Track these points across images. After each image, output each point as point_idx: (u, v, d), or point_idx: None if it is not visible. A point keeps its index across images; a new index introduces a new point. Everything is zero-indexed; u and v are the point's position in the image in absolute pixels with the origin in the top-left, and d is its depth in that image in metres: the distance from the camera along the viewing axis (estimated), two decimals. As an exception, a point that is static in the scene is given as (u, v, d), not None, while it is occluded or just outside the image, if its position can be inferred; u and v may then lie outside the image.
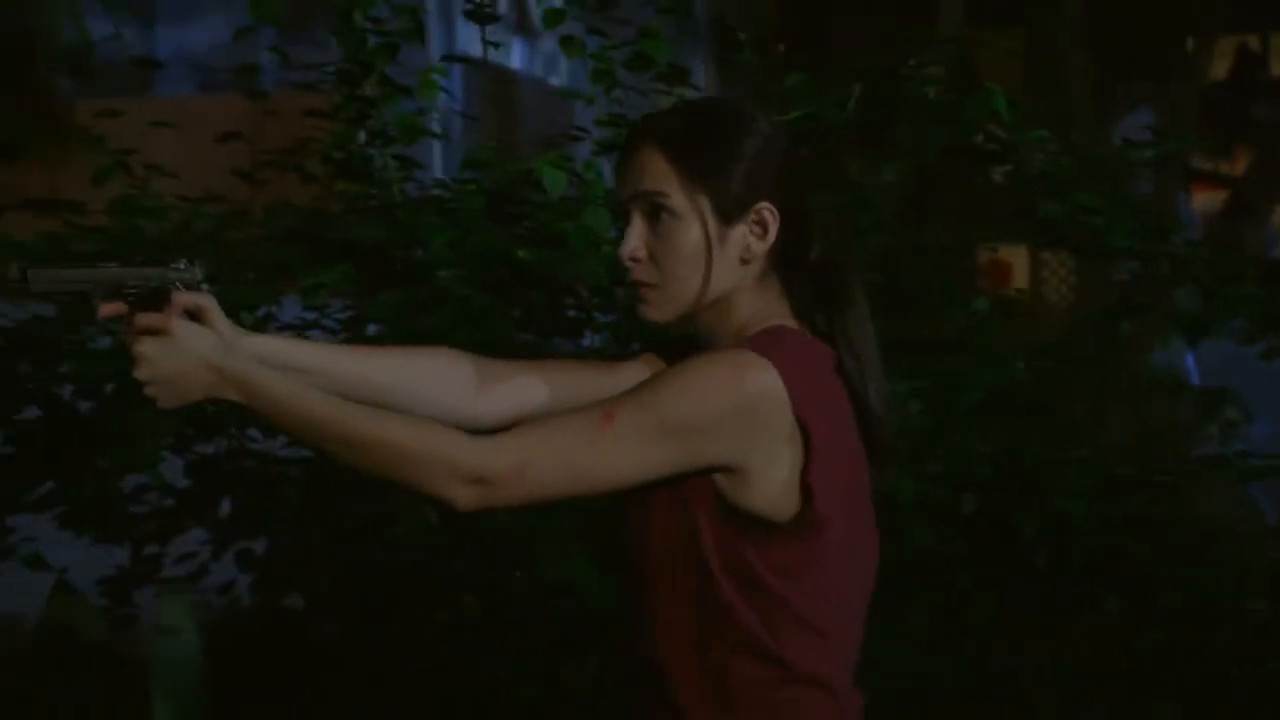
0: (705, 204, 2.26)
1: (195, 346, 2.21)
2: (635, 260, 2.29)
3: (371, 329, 4.25)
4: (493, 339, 3.87)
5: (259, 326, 4.06)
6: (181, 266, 2.25)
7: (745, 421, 2.19)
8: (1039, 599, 4.32)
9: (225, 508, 4.53)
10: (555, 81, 8.56)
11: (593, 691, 4.14)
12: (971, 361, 4.54)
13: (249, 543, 4.57)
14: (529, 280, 4.21)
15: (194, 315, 2.26)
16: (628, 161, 2.27)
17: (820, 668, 2.25)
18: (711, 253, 2.26)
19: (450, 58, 4.46)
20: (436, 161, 6.56)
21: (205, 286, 2.26)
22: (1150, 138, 4.85)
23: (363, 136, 4.35)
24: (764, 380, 2.19)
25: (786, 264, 2.29)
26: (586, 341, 4.53)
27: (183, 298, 2.25)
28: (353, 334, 4.13)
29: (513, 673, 4.16)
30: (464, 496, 2.17)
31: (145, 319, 2.21)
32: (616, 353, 4.22)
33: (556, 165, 4.06)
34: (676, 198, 2.26)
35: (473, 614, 4.25)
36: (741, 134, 2.27)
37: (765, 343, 2.24)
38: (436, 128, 4.33)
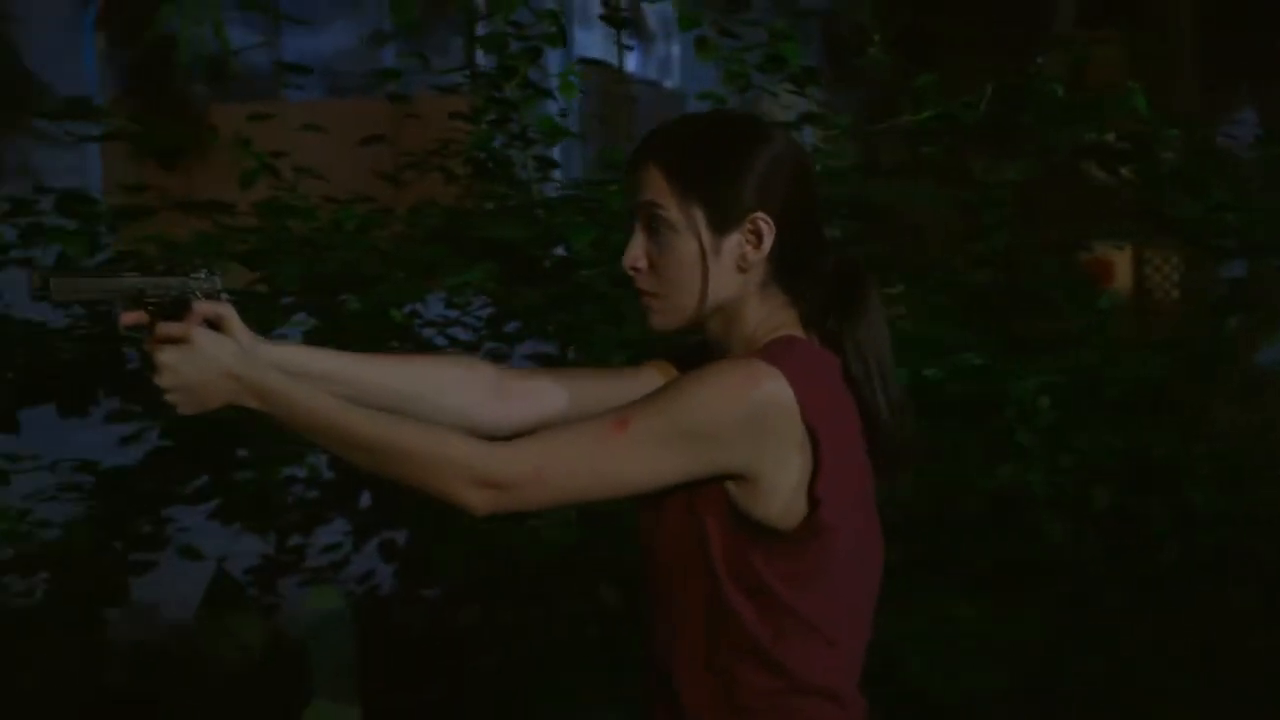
0: (700, 215, 2.27)
1: (215, 355, 2.23)
2: (636, 270, 2.32)
3: (511, 326, 4.31)
4: (632, 336, 3.92)
5: (405, 323, 4.12)
6: (202, 276, 2.27)
7: (756, 429, 2.19)
8: (1168, 593, 4.32)
9: (365, 499, 4.61)
10: (669, 84, 8.60)
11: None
12: (1097, 358, 4.55)
13: (390, 533, 4.65)
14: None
15: (214, 324, 2.28)
16: (631, 174, 2.31)
17: (828, 678, 2.25)
18: (706, 262, 2.27)
19: (587, 60, 4.51)
20: (575, 161, 6.62)
21: (225, 296, 2.28)
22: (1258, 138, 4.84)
23: (497, 139, 4.41)
24: (774, 389, 2.20)
25: (788, 272, 2.29)
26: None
27: (203, 307, 2.27)
28: (494, 331, 4.19)
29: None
30: (479, 501, 2.18)
31: (166, 328, 2.23)
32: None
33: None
34: (672, 209, 2.27)
35: (611, 604, 4.29)
36: (735, 146, 2.28)
37: (776, 352, 2.24)
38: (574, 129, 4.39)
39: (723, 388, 2.19)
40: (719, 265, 2.27)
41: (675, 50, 7.05)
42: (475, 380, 2.41)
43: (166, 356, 2.22)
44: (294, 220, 4.37)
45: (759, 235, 2.27)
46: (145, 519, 4.40)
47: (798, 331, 2.30)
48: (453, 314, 4.32)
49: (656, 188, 2.28)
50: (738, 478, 2.21)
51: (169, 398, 2.24)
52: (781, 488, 2.21)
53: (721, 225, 2.26)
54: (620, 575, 4.31)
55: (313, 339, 4.17)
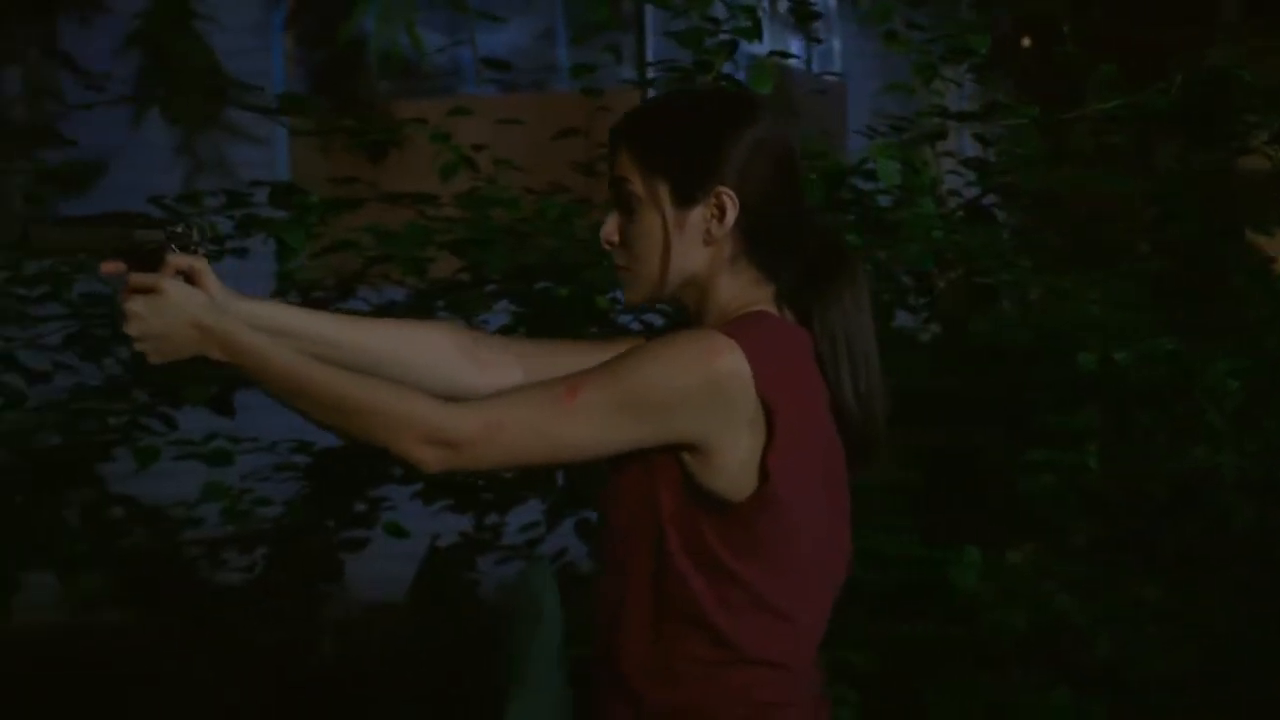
0: (663, 189, 2.27)
1: (183, 305, 2.24)
2: (611, 244, 2.33)
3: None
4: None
5: (609, 309, 4.20)
6: (179, 229, 2.28)
7: (708, 400, 2.19)
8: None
9: (560, 479, 4.69)
10: (830, 77, 8.63)
11: (913, 657, 4.20)
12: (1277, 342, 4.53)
13: (585, 513, 4.72)
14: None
15: (188, 277, 2.28)
16: (610, 153, 2.32)
17: (774, 650, 2.24)
18: (669, 234, 2.28)
19: (779, 53, 4.55)
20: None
21: (200, 249, 2.28)
22: None
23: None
24: (728, 361, 2.19)
25: (759, 248, 2.29)
26: (898, 323, 4.60)
27: (176, 259, 2.27)
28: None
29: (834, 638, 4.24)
30: (430, 457, 2.19)
31: (138, 278, 2.25)
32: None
33: (890, 155, 4.13)
34: (637, 184, 2.29)
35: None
36: (700, 123, 2.29)
37: (737, 326, 2.24)
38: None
39: (677, 358, 2.20)
40: (683, 238, 2.27)
41: (835, 43, 7.06)
42: (451, 345, 2.41)
43: (135, 305, 2.25)
44: (497, 211, 4.46)
45: (722, 209, 2.27)
46: (358, 498, 4.51)
47: (770, 308, 2.29)
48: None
49: (625, 163, 2.30)
50: (691, 448, 2.21)
51: (137, 346, 2.27)
52: (733, 460, 2.20)
53: (684, 199, 2.27)
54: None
55: (513, 327, 4.26)
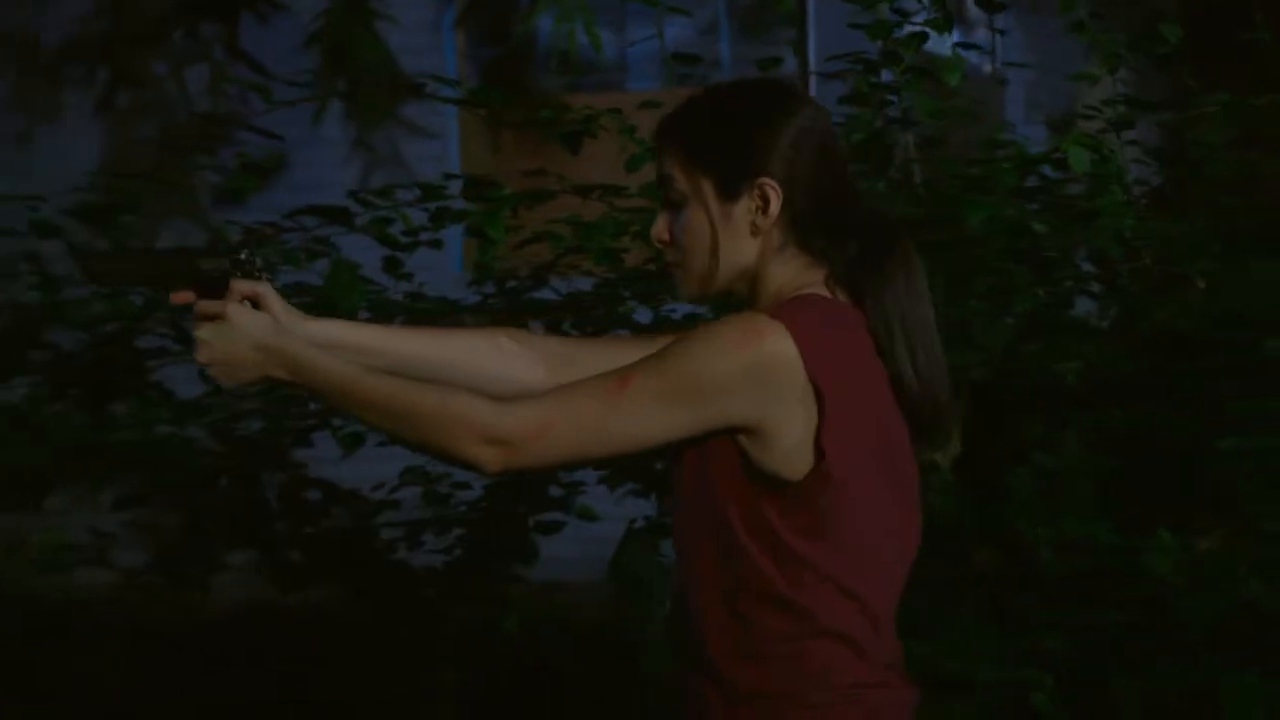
0: (706, 184, 2.28)
1: (247, 329, 2.30)
2: (662, 242, 2.34)
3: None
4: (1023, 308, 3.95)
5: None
6: (241, 257, 2.34)
7: (757, 382, 2.19)
8: None
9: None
10: (988, 69, 8.56)
11: (1105, 642, 4.18)
12: None
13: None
14: (1037, 254, 4.28)
15: (253, 302, 2.34)
16: (656, 153, 2.34)
17: (843, 623, 2.23)
18: (716, 229, 2.28)
19: (965, 45, 4.53)
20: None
21: (262, 275, 2.34)
22: None
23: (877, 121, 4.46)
24: (774, 342, 2.19)
25: (806, 234, 2.28)
26: (1078, 310, 4.57)
27: (240, 286, 2.34)
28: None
29: (1027, 622, 4.22)
30: (488, 458, 2.20)
31: (204, 306, 2.32)
32: None
33: (1082, 144, 4.10)
34: (682, 183, 2.30)
35: (991, 568, 4.32)
36: (738, 116, 2.29)
37: (783, 308, 2.23)
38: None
39: (723, 343, 2.19)
40: (730, 231, 2.28)
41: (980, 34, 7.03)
42: (507, 349, 2.44)
43: (204, 332, 2.32)
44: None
45: (766, 200, 2.27)
46: (552, 481, 4.56)
47: (822, 290, 2.28)
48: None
49: (669, 162, 2.31)
50: (745, 431, 2.21)
51: (209, 371, 2.33)
52: (787, 439, 2.20)
53: (728, 193, 2.27)
54: (997, 539, 4.34)
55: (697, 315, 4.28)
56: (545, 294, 4.72)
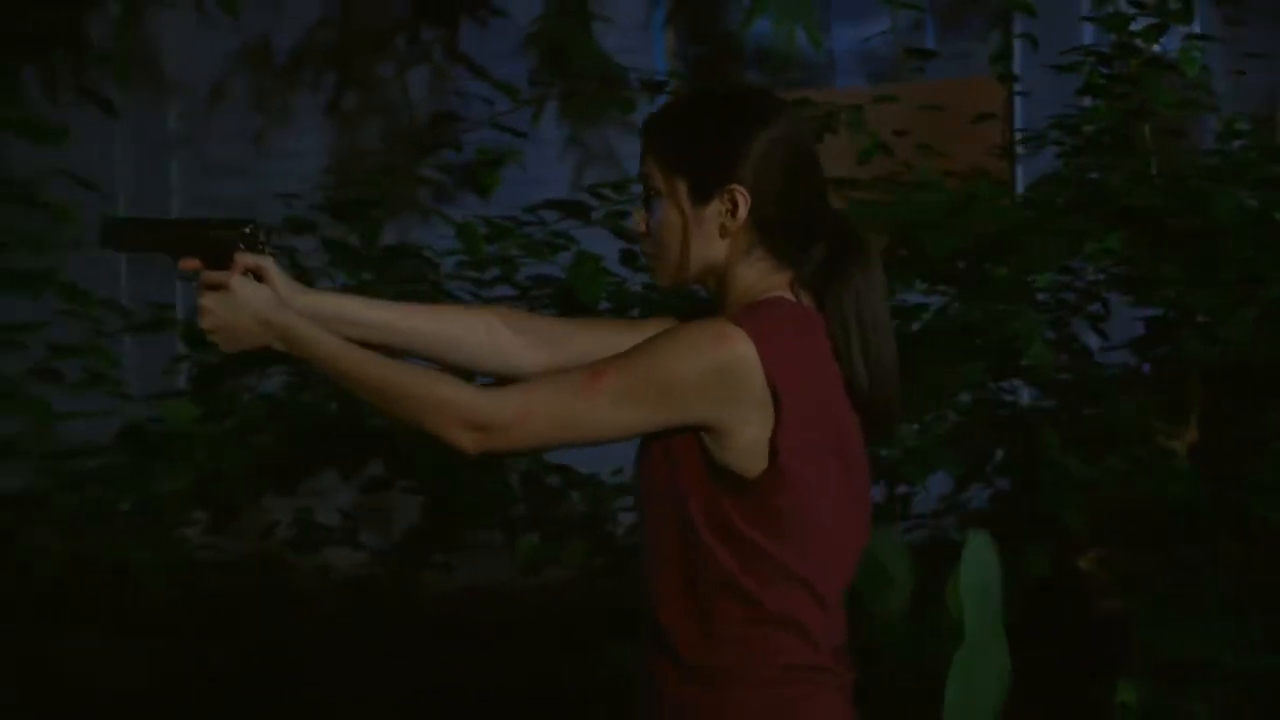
0: (681, 186, 2.39)
1: (248, 300, 2.38)
2: (639, 234, 2.45)
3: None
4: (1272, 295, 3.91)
5: (1047, 286, 4.20)
6: (248, 230, 2.40)
7: (719, 385, 2.29)
8: None
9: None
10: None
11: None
12: None
13: (1002, 482, 4.73)
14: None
15: (256, 274, 2.42)
16: (641, 149, 2.44)
17: (794, 609, 2.34)
18: (688, 227, 2.39)
19: (1199, 36, 4.50)
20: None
21: (267, 249, 2.41)
22: None
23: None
24: (736, 348, 2.29)
25: (773, 239, 2.37)
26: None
27: (245, 258, 2.41)
28: (1135, 294, 4.24)
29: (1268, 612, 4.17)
30: (468, 441, 2.30)
31: (209, 275, 2.39)
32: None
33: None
34: (659, 181, 2.40)
35: (1232, 555, 4.28)
36: (716, 123, 2.38)
37: (748, 312, 2.34)
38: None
39: (690, 346, 2.31)
40: (700, 231, 2.39)
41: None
42: (503, 328, 2.53)
43: (207, 300, 2.41)
44: (920, 194, 4.51)
45: (735, 205, 2.37)
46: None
47: (786, 293, 2.38)
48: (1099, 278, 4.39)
49: (650, 160, 2.42)
50: (707, 429, 2.32)
51: (210, 337, 2.42)
52: (745, 439, 2.31)
53: (700, 195, 2.38)
54: (1238, 526, 4.30)
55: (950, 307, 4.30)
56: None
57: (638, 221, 2.45)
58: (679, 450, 2.35)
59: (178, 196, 7.54)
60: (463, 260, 4.76)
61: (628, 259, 4.81)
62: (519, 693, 4.77)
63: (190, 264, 2.41)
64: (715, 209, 2.39)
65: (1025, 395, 4.63)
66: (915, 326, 4.30)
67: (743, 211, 2.38)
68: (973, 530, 4.00)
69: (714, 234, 2.40)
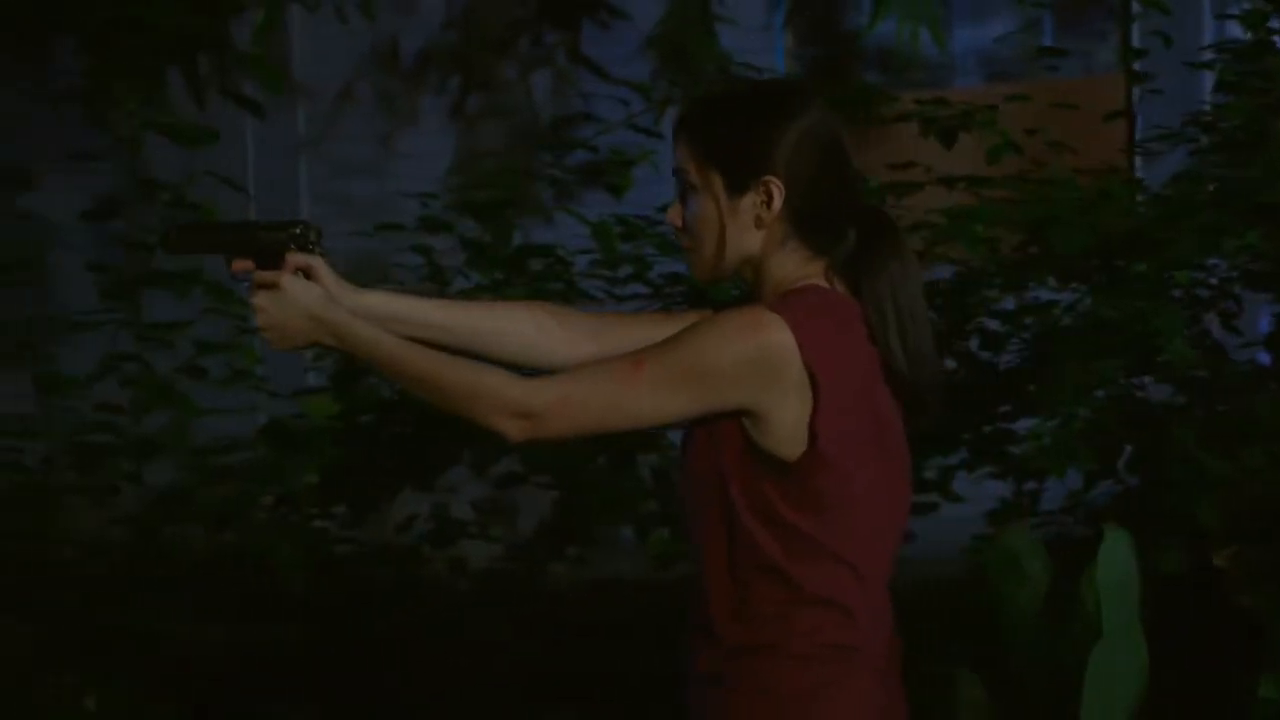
0: (716, 179, 2.41)
1: (299, 299, 2.43)
2: (675, 228, 2.48)
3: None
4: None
5: (1187, 285, 4.17)
6: (298, 231, 2.45)
7: (757, 370, 2.33)
8: None
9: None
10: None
11: None
12: None
13: (1131, 479, 4.71)
14: None
15: (307, 273, 2.46)
16: (674, 143, 2.46)
17: (837, 592, 2.38)
18: (724, 219, 2.42)
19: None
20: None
21: (317, 249, 2.45)
22: None
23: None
24: (773, 334, 2.34)
25: (807, 229, 2.41)
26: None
27: (295, 258, 2.45)
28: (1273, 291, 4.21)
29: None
30: (512, 428, 2.36)
31: (262, 275, 2.44)
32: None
33: None
34: (694, 174, 2.43)
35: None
36: (750, 116, 2.41)
37: (784, 300, 2.39)
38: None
39: (727, 333, 2.36)
40: (736, 223, 2.42)
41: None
42: (539, 322, 2.56)
43: (260, 299, 2.45)
44: (1055, 191, 4.50)
45: (770, 196, 2.40)
46: (925, 465, 4.61)
47: (821, 281, 2.42)
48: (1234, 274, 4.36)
49: (684, 154, 2.44)
50: (747, 414, 2.36)
51: (263, 335, 2.46)
52: (784, 423, 2.35)
53: (735, 188, 2.41)
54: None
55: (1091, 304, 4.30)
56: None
57: (674, 215, 2.48)
58: (720, 435, 2.40)
59: (306, 197, 7.66)
60: (595, 259, 4.81)
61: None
62: (648, 686, 4.81)
63: (243, 265, 2.48)
64: (750, 201, 2.42)
65: (1153, 392, 4.61)
66: (1051, 323, 4.30)
67: (777, 202, 2.41)
68: (1109, 527, 3.98)
69: (749, 225, 2.43)
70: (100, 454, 4.83)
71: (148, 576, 4.87)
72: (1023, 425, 4.66)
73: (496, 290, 4.93)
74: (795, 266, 2.44)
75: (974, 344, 4.69)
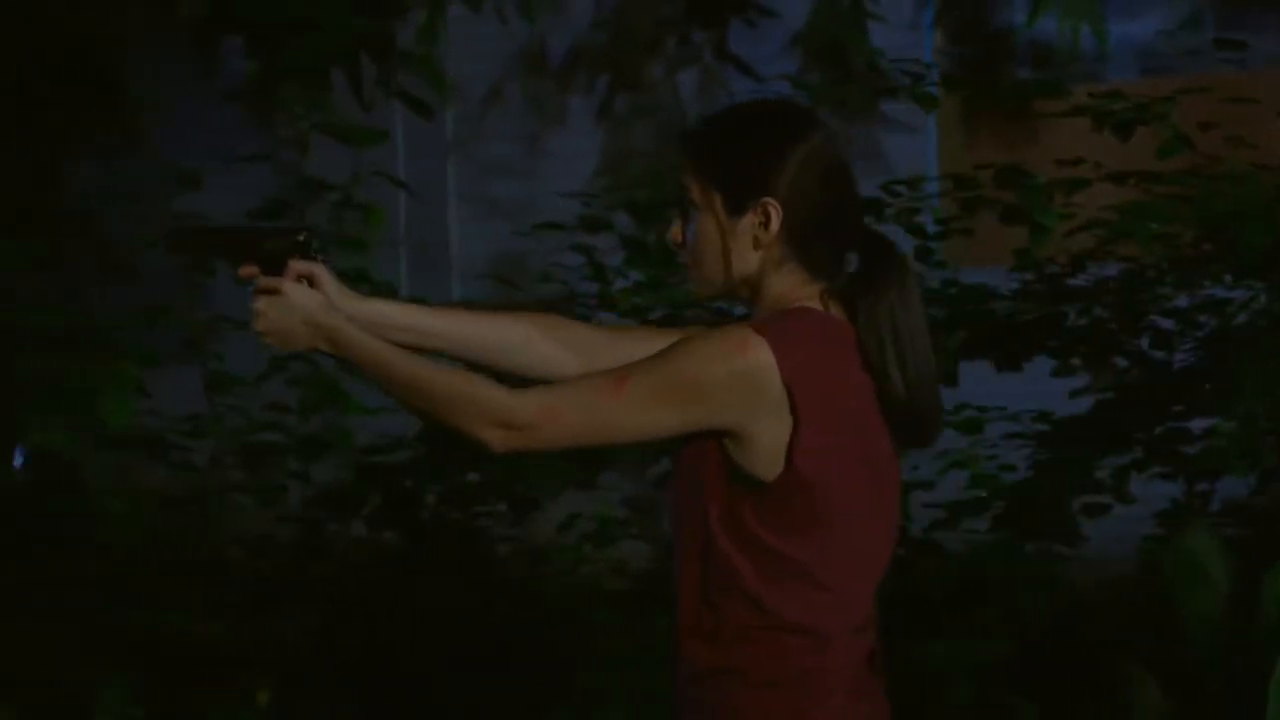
0: (717, 199, 2.43)
1: (299, 305, 2.45)
2: (676, 244, 2.49)
3: None
4: None
5: None
6: (301, 239, 2.48)
7: (737, 390, 2.34)
8: None
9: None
10: None
11: None
12: None
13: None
14: None
15: (309, 280, 2.48)
16: (680, 163, 2.48)
17: (809, 618, 2.36)
18: (725, 240, 2.43)
19: None
20: None
21: (320, 257, 2.48)
22: None
23: None
24: (754, 355, 2.34)
25: (804, 251, 2.41)
26: None
27: (298, 265, 2.48)
28: None
29: None
30: (495, 439, 2.35)
31: (264, 281, 2.47)
32: None
33: None
34: (696, 194, 2.44)
35: None
36: (748, 140, 2.43)
37: (770, 321, 2.40)
38: None
39: (711, 352, 2.36)
40: (736, 242, 2.43)
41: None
42: (536, 337, 2.57)
43: (261, 304, 2.48)
44: (1232, 186, 4.41)
45: (768, 218, 2.41)
46: (1097, 464, 4.54)
47: (815, 304, 2.42)
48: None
49: (687, 174, 2.45)
50: (728, 433, 2.35)
51: (263, 339, 2.49)
52: (762, 443, 2.35)
53: (735, 208, 2.42)
54: None
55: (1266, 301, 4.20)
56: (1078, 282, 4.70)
57: (675, 233, 2.49)
58: (703, 455, 2.39)
59: (454, 197, 7.70)
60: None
61: (921, 254, 4.79)
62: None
63: (249, 271, 2.51)
64: (749, 221, 2.43)
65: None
66: (1226, 321, 4.20)
67: (775, 224, 2.43)
68: (1192, 524, 3.92)
69: (748, 245, 2.44)
70: (267, 453, 4.87)
71: (316, 575, 4.90)
72: (1197, 425, 4.58)
73: (656, 289, 4.91)
74: (791, 288, 2.45)
75: (1145, 342, 4.60)
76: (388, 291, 4.67)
